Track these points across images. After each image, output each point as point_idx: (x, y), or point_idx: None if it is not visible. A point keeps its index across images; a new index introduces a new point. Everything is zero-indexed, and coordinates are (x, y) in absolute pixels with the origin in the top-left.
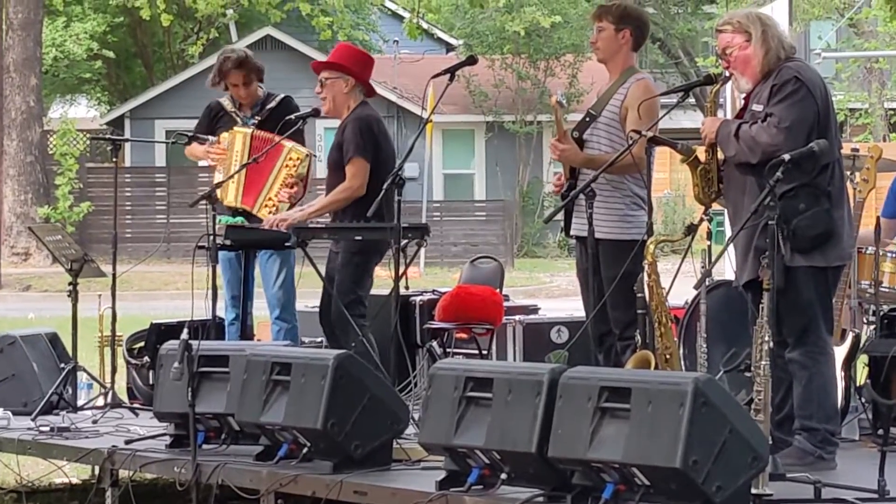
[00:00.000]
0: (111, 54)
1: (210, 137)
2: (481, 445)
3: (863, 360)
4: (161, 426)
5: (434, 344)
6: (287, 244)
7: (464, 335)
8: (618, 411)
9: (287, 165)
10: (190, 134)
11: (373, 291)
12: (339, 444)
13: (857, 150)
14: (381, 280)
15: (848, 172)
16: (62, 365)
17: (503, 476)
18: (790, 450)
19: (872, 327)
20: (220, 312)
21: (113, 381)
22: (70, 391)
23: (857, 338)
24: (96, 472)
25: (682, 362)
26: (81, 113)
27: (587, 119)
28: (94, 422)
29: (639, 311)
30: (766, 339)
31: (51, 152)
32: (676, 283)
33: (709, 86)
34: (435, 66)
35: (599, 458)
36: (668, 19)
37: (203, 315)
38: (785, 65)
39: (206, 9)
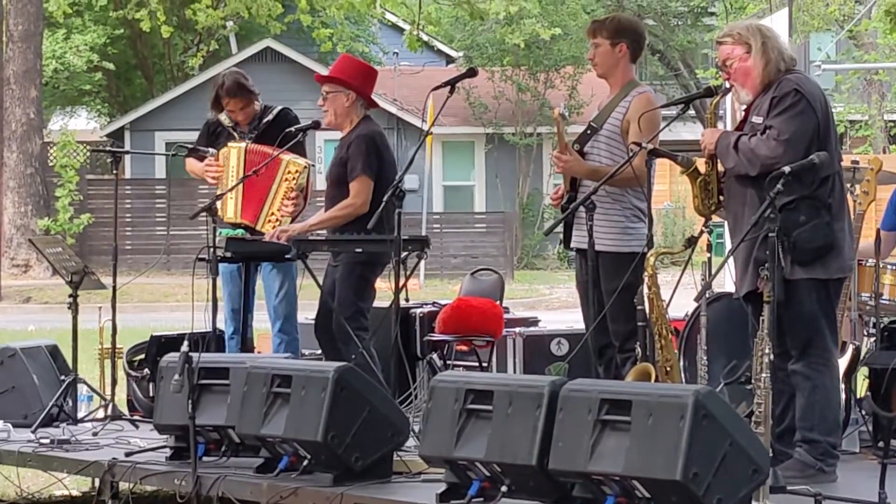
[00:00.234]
0: (111, 66)
1: (210, 150)
2: (482, 458)
3: (863, 372)
4: (161, 438)
5: (434, 356)
6: (287, 256)
7: (464, 347)
8: (618, 424)
9: (286, 179)
10: (190, 146)
11: (374, 304)
12: (339, 456)
13: (858, 162)
14: (382, 292)
15: (848, 185)
16: (62, 377)
17: (504, 489)
18: (791, 462)
19: (873, 339)
20: (221, 325)
21: (113, 394)
22: (70, 403)
23: (857, 350)
24: (96, 484)
25: (683, 375)
26: (81, 125)
27: (588, 132)
28: (95, 434)
29: (639, 324)
30: (767, 351)
31: (51, 164)
32: (677, 295)
33: (709, 98)
34: (435, 78)
35: (600, 470)
36: (668, 31)
37: (203, 327)
38: (785, 77)
39: (206, 21)
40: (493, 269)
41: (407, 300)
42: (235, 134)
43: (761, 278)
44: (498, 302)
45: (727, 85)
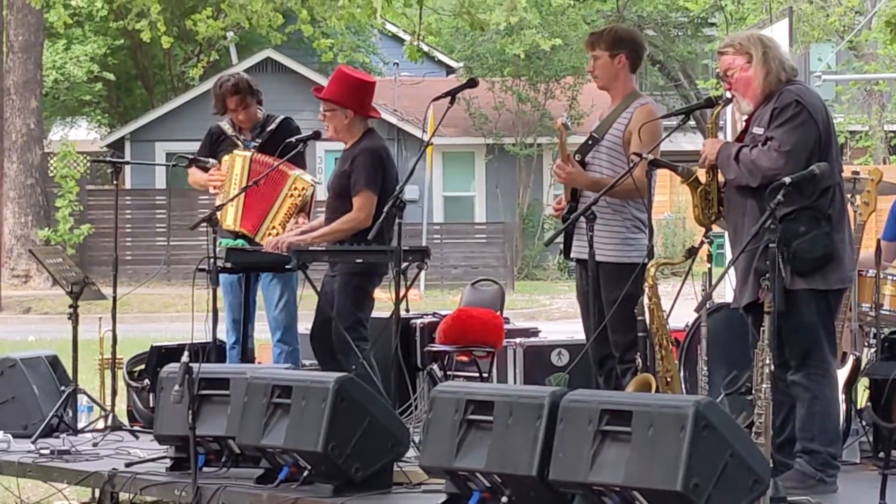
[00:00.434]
0: (111, 77)
1: (211, 160)
2: (482, 468)
3: (864, 382)
4: (161, 449)
5: (435, 367)
6: (288, 267)
7: (464, 358)
8: (619, 434)
9: (292, 195)
10: (190, 156)
11: (374, 314)
12: (339, 466)
13: (858, 172)
14: (382, 303)
15: (848, 195)
16: (62, 387)
17: (504, 499)
18: (791, 473)
19: (873, 350)
20: (221, 335)
21: (113, 404)
22: (70, 414)
23: (857, 361)
24: (96, 494)
25: (683, 385)
26: (82, 135)
27: (590, 142)
28: (95, 444)
29: (639, 334)
30: (767, 361)
31: (51, 175)
32: (677, 305)
33: (709, 108)
34: (435, 88)
35: (600, 481)
36: (668, 42)
37: (203, 338)
38: (786, 88)
39: (206, 31)
40: (494, 279)
41: (407, 311)
42: (239, 142)
43: (762, 289)
44: (498, 312)
45: (728, 95)
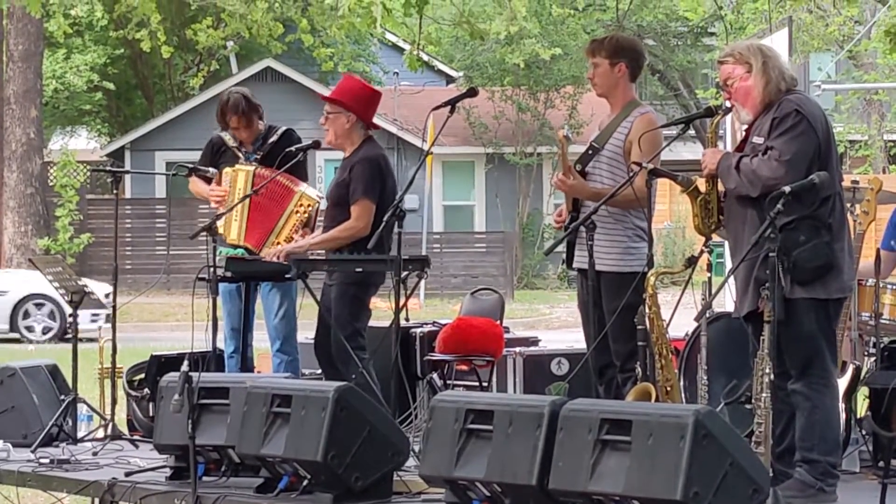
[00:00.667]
0: (111, 86)
1: (211, 169)
2: (482, 478)
3: (863, 392)
4: (161, 458)
5: (434, 376)
6: (287, 276)
7: (464, 367)
8: (618, 443)
9: (297, 211)
10: (191, 166)
11: (373, 323)
12: (339, 476)
13: (857, 182)
14: (382, 312)
15: (848, 204)
16: (62, 397)
17: None
18: (791, 482)
19: (873, 359)
20: (221, 344)
21: (113, 413)
22: (70, 423)
23: (857, 370)
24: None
25: (683, 394)
26: (82, 144)
27: (590, 152)
28: (94, 454)
29: (639, 343)
30: (767, 370)
31: (51, 184)
32: (677, 314)
33: (709, 118)
34: (435, 97)
35: (600, 490)
36: (668, 51)
37: (203, 347)
38: (786, 97)
39: (206, 41)
40: (494, 288)
41: (407, 320)
42: (240, 154)
43: (762, 298)
44: (498, 321)
45: (727, 105)
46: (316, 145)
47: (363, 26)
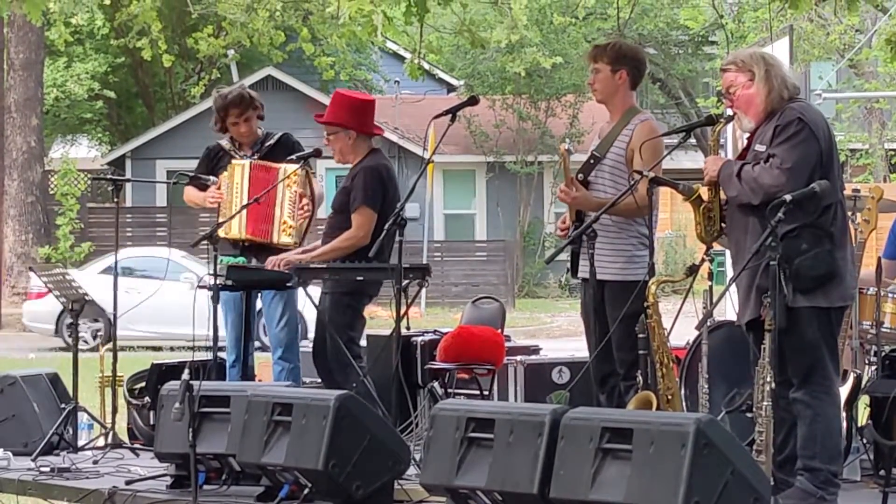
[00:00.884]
0: (112, 94)
1: (211, 178)
2: (483, 486)
3: (864, 400)
4: (162, 467)
5: (435, 384)
6: (289, 284)
7: (465, 375)
8: (620, 452)
9: (288, 185)
10: (191, 174)
11: (374, 332)
12: (340, 484)
13: (858, 190)
14: (383, 320)
15: (849, 213)
16: (63, 405)
17: None
18: (792, 490)
19: (874, 368)
20: (222, 353)
21: (113, 422)
22: (70, 431)
23: (858, 378)
24: None
25: (684, 403)
26: (83, 153)
27: (591, 161)
28: (95, 462)
29: (640, 352)
30: (768, 379)
31: (52, 192)
32: (678, 323)
33: (710, 126)
34: (436, 106)
35: (601, 499)
36: (669, 60)
37: (204, 355)
38: (788, 105)
39: (207, 49)
40: (494, 297)
41: (408, 328)
42: (238, 157)
43: (763, 306)
44: (499, 330)
45: (729, 113)
46: (317, 153)
47: (364, 35)
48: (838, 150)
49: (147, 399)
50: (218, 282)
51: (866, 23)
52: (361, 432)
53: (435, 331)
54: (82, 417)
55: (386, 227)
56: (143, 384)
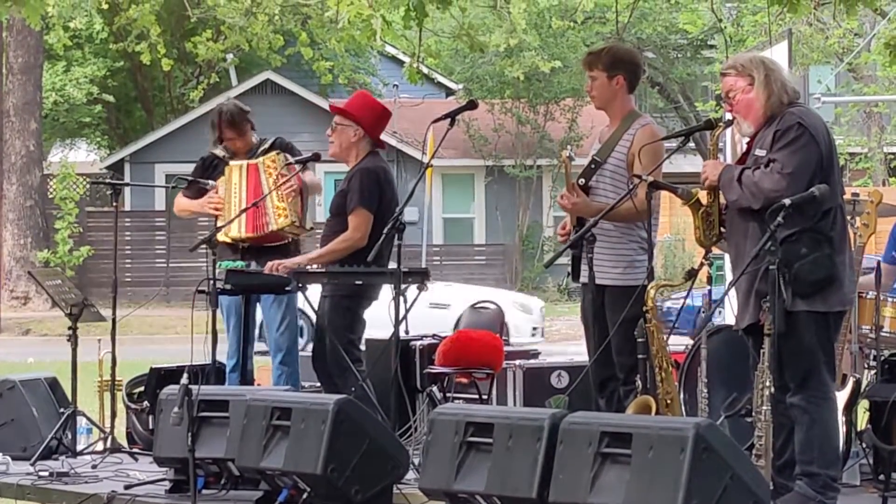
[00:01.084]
0: (111, 98)
1: (210, 182)
2: (482, 491)
3: (864, 405)
4: (161, 471)
5: (434, 389)
6: (287, 289)
7: (464, 380)
8: (619, 457)
9: (269, 173)
10: (190, 178)
11: (373, 336)
12: (339, 489)
13: (858, 194)
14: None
15: (848, 217)
16: (61, 409)
17: None
18: (791, 495)
19: (873, 372)
20: (221, 357)
21: (112, 426)
22: (69, 436)
23: (857, 383)
24: None
25: (683, 407)
26: (81, 157)
27: (592, 165)
28: (94, 467)
29: (639, 357)
30: (767, 383)
31: (50, 196)
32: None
33: (709, 130)
34: (435, 110)
35: (600, 503)
36: (668, 64)
37: (203, 359)
38: (788, 110)
39: (206, 53)
40: (494, 301)
41: (407, 332)
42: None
43: (763, 311)
44: (498, 334)
45: (728, 117)
46: (316, 157)
47: (363, 39)
48: (838, 155)
49: (146, 403)
50: (217, 286)
51: (865, 27)
52: (360, 437)
53: (434, 335)
54: (81, 422)
55: (385, 231)
56: (142, 388)
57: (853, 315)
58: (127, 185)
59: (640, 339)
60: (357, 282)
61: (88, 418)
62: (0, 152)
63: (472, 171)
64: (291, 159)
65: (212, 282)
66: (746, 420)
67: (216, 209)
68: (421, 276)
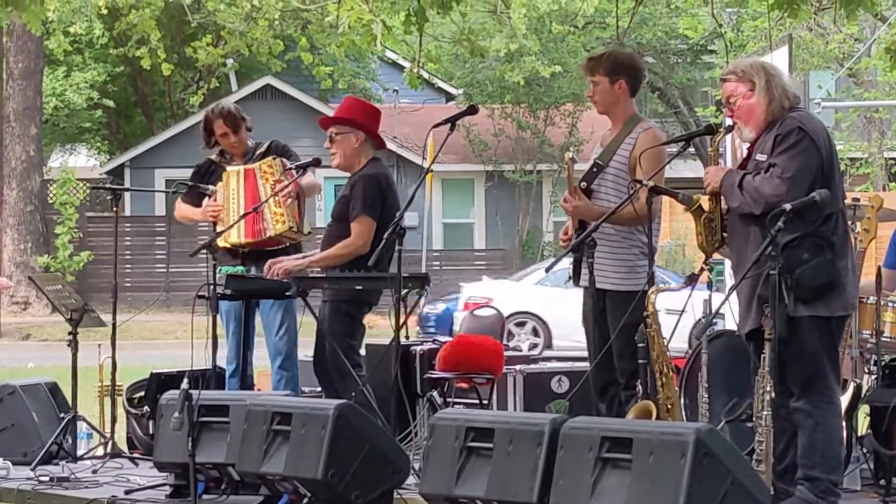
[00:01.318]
0: (111, 104)
1: (210, 187)
2: (482, 496)
3: (864, 409)
4: (161, 476)
5: (435, 394)
6: (287, 293)
7: (464, 385)
8: (619, 462)
9: (266, 178)
10: (190, 183)
11: (373, 341)
12: (339, 493)
13: (858, 199)
14: (382, 329)
15: (849, 222)
16: (62, 415)
17: None
18: (792, 500)
19: (874, 377)
20: (221, 362)
21: (113, 431)
22: (70, 441)
23: (858, 388)
24: None
25: (684, 412)
26: (81, 162)
27: (594, 169)
28: (94, 472)
29: (640, 361)
30: (768, 388)
31: (51, 201)
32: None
33: (709, 135)
34: (435, 115)
35: None
36: (668, 69)
37: (203, 364)
38: (789, 115)
39: (206, 58)
40: (494, 306)
41: (407, 337)
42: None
43: (765, 316)
44: (498, 339)
45: (729, 122)
46: (316, 163)
47: (363, 44)
48: (839, 160)
49: (146, 408)
50: (217, 291)
51: (865, 32)
52: (361, 441)
53: (434, 340)
54: (81, 427)
55: (385, 236)
56: (143, 393)
57: (854, 320)
58: (127, 190)
59: (640, 344)
60: (357, 287)
61: (89, 423)
62: (0, 157)
63: (472, 176)
64: (290, 164)
65: (212, 287)
66: (747, 425)
67: (214, 216)
68: (421, 282)
